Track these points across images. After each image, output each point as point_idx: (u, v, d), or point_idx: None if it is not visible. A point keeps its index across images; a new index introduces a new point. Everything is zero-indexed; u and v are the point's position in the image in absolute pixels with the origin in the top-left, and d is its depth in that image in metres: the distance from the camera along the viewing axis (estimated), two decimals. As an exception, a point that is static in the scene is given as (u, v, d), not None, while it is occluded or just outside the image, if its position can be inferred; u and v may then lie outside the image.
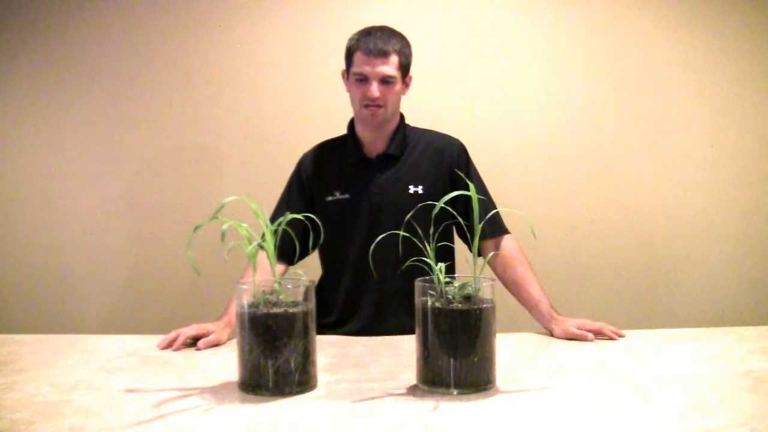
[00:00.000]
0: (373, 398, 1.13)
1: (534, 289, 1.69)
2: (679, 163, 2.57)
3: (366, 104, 1.73)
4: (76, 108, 2.61)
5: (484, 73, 2.56)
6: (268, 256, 1.19)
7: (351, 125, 1.86)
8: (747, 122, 2.56)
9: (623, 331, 1.58)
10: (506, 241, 1.78)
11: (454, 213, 1.33)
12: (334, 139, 1.90)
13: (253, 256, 1.18)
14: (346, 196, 1.79)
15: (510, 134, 2.55)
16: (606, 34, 2.55)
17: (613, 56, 2.55)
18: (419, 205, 1.47)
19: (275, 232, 1.20)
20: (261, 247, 1.20)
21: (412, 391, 1.17)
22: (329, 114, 2.45)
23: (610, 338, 1.55)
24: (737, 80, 2.55)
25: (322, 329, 1.75)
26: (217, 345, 1.53)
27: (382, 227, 1.64)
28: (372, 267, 1.39)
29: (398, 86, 1.75)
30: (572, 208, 2.56)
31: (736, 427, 0.97)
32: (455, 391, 1.13)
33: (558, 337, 1.58)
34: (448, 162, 1.80)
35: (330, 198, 1.80)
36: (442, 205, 1.17)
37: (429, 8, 2.55)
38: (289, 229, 1.22)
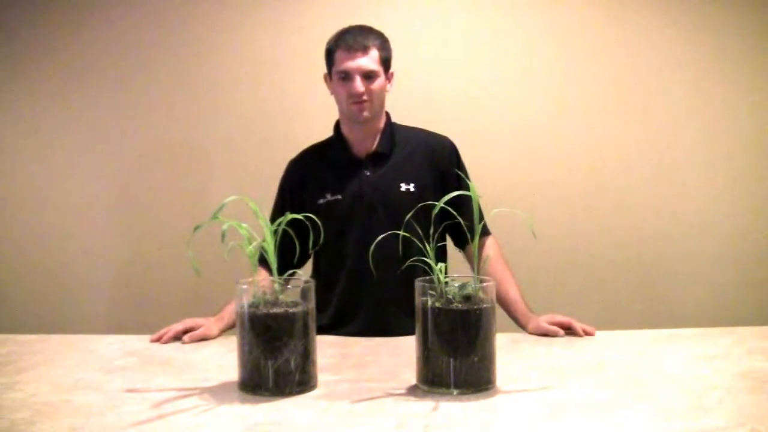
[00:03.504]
0: (373, 398, 1.13)
1: (511, 288, 1.72)
2: (679, 163, 2.57)
3: (352, 101, 1.73)
4: (75, 108, 2.61)
5: (483, 72, 2.56)
6: (267, 256, 1.19)
7: (337, 127, 1.86)
8: (747, 122, 2.56)
9: (619, 332, 1.59)
10: (487, 241, 1.82)
11: (454, 213, 1.33)
12: (319, 143, 1.90)
13: (252, 256, 1.18)
14: (338, 196, 1.78)
15: (509, 134, 2.55)
16: (605, 33, 2.55)
17: (612, 56, 2.55)
18: (419, 205, 1.47)
19: (275, 232, 1.20)
20: (263, 249, 1.20)
21: (412, 391, 1.17)
22: (328, 113, 2.45)
23: (578, 335, 1.56)
24: (737, 80, 2.55)
25: (320, 332, 1.75)
26: (204, 339, 1.56)
27: (376, 226, 1.64)
28: (372, 266, 1.38)
29: (381, 81, 1.74)
30: (571, 208, 2.56)
31: (736, 427, 0.97)
32: (455, 391, 1.13)
33: (531, 333, 1.61)
34: (439, 161, 1.81)
35: (322, 200, 1.79)
36: (438, 206, 1.17)
37: (427, 8, 2.55)
38: (291, 231, 1.22)
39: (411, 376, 1.22)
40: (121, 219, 2.62)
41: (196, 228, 1.14)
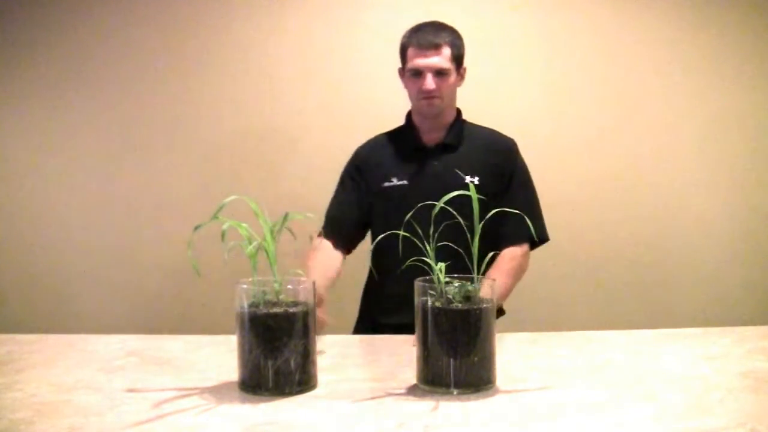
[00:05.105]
0: (373, 398, 1.13)
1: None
2: (679, 163, 2.57)
3: (422, 97, 1.78)
4: (76, 108, 2.61)
5: (485, 73, 2.56)
6: (268, 256, 1.19)
7: (409, 116, 1.90)
8: (747, 123, 2.56)
9: (619, 332, 1.59)
10: (518, 250, 1.79)
11: (454, 213, 1.32)
12: (390, 131, 1.95)
13: (253, 256, 1.18)
14: (404, 182, 1.83)
15: (511, 135, 2.55)
16: (606, 35, 2.55)
17: (613, 57, 2.55)
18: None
19: (335, 220, 1.19)
20: (263, 247, 1.20)
21: (412, 391, 1.17)
22: (328, 112, 2.45)
23: None
24: (737, 81, 2.55)
25: (377, 325, 1.80)
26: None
27: (437, 215, 1.65)
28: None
29: (453, 78, 1.79)
30: (572, 208, 2.56)
31: (736, 427, 0.97)
32: (455, 391, 1.13)
33: None
34: (499, 159, 1.85)
35: (387, 184, 1.84)
36: (437, 206, 1.17)
37: (426, 8, 2.55)
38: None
39: (411, 376, 1.22)
40: (120, 219, 2.62)
41: (196, 228, 1.14)
